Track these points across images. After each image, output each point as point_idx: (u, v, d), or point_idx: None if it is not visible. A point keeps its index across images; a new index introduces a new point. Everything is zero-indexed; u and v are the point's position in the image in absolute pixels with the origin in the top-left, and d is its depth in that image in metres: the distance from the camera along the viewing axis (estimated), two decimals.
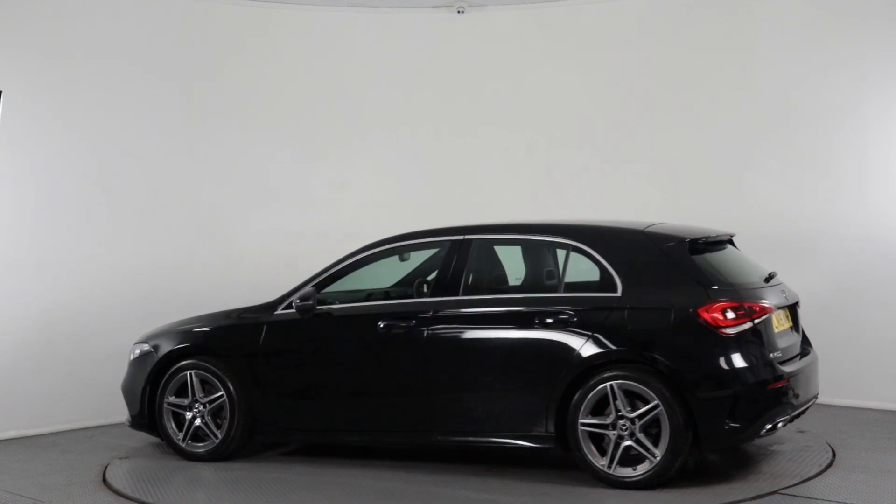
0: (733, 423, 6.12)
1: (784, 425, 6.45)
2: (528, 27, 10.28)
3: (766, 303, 6.41)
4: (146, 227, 9.34)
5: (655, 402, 6.15)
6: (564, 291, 6.69)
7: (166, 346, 7.60)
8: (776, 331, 6.46)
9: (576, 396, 6.35)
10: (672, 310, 6.27)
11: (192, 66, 9.70)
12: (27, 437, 8.43)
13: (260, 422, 7.33)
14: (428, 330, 6.86)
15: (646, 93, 9.89)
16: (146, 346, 7.73)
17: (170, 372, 7.53)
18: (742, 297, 6.32)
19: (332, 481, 6.74)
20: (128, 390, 7.79)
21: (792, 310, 6.90)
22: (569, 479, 6.48)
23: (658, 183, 9.80)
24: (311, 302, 7.22)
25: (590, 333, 6.39)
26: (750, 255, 7.30)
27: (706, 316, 6.19)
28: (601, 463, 6.28)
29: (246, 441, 7.41)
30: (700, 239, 6.76)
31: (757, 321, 6.26)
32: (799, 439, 7.42)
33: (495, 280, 7.17)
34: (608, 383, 6.27)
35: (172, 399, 7.51)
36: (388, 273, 7.77)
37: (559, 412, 6.41)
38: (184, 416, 7.46)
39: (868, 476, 6.39)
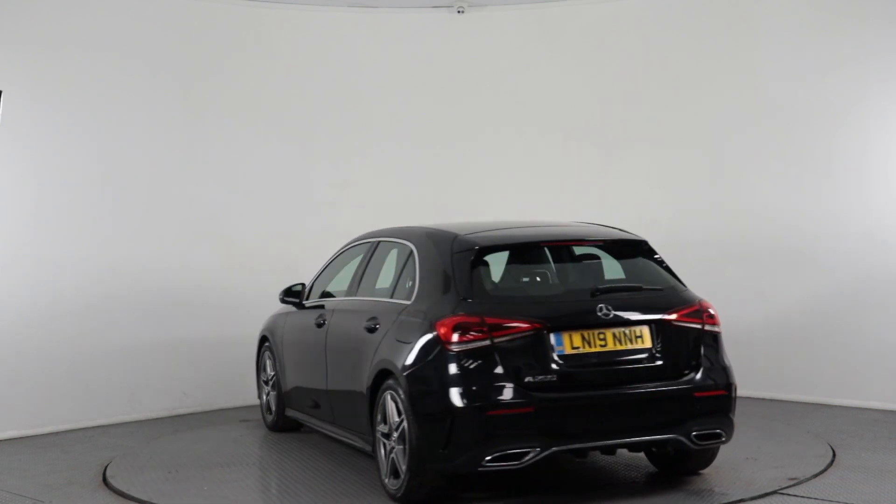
0: (447, 448, 5.62)
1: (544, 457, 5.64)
2: (528, 27, 10.28)
3: (528, 320, 5.70)
4: (146, 227, 9.35)
5: (401, 417, 5.90)
6: (390, 296, 6.59)
7: (261, 331, 8.64)
8: (568, 351, 5.72)
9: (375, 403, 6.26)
10: (425, 322, 5.90)
11: (192, 67, 9.71)
12: (27, 437, 8.43)
13: (286, 401, 8.10)
14: (328, 327, 7.21)
15: (646, 93, 9.89)
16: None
17: (261, 353, 8.62)
18: (487, 313, 5.72)
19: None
20: None
21: (662, 328, 5.93)
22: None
23: (658, 182, 9.81)
24: (281, 295, 7.95)
25: (381, 340, 6.29)
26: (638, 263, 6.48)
27: (439, 330, 5.73)
28: (383, 471, 6.16)
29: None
30: (510, 245, 6.33)
31: (498, 339, 5.65)
32: (799, 439, 7.42)
33: (374, 282, 7.13)
34: (385, 393, 6.10)
35: (263, 377, 8.56)
36: None
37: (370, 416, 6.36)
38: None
39: (868, 476, 6.38)
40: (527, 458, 5.59)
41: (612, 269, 6.46)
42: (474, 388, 5.60)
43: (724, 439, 6.06)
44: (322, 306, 7.50)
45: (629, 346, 5.85)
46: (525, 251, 6.50)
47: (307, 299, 7.83)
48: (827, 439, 7.36)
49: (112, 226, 9.17)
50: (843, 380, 8.69)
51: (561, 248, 6.51)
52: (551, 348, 5.71)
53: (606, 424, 5.78)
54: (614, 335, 5.84)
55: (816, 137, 8.98)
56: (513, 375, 5.63)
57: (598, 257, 6.53)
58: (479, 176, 10.32)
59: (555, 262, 6.51)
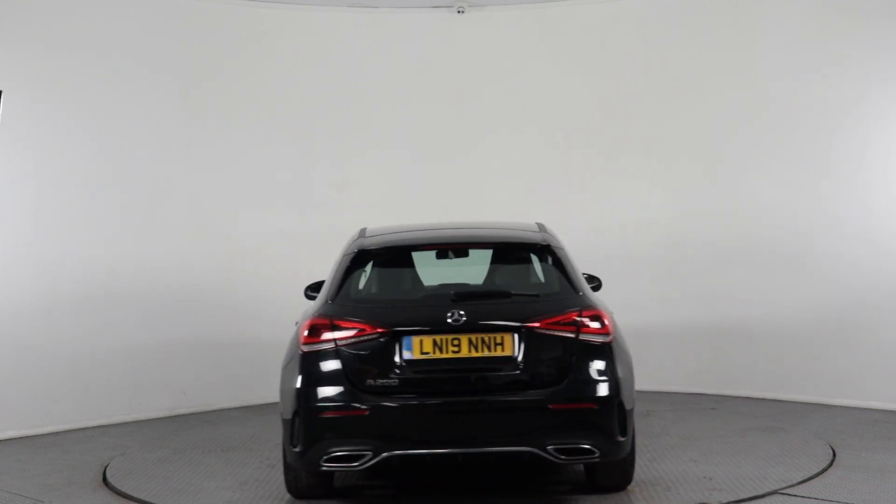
0: (297, 446, 5.72)
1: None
2: (528, 27, 10.28)
3: (374, 324, 5.71)
4: (146, 227, 9.34)
5: None
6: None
7: None
8: (416, 356, 5.64)
9: None
10: (302, 323, 5.99)
11: (192, 67, 9.70)
12: (27, 437, 8.43)
13: None
14: None
15: (646, 93, 9.89)
16: None
17: None
18: (339, 315, 5.80)
19: None
20: None
21: (527, 336, 5.69)
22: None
23: (658, 183, 9.81)
24: (305, 290, 7.68)
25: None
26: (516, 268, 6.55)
27: (299, 331, 5.90)
28: None
29: None
30: (391, 247, 6.39)
31: (343, 342, 5.71)
32: (799, 439, 7.42)
33: None
34: None
35: None
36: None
37: None
38: None
39: (868, 476, 6.38)
40: (361, 461, 5.61)
41: (498, 274, 6.47)
42: (313, 389, 5.69)
43: (597, 456, 5.65)
44: None
45: (487, 354, 5.68)
46: (407, 254, 6.48)
47: None
48: (827, 439, 7.36)
49: (112, 226, 9.17)
50: (843, 380, 8.69)
51: (453, 251, 6.46)
52: (396, 353, 5.67)
53: (448, 432, 5.67)
54: (470, 342, 5.68)
55: (816, 137, 8.98)
56: (353, 378, 5.67)
57: (499, 261, 6.52)
58: (479, 176, 10.31)
59: (438, 265, 6.51)
